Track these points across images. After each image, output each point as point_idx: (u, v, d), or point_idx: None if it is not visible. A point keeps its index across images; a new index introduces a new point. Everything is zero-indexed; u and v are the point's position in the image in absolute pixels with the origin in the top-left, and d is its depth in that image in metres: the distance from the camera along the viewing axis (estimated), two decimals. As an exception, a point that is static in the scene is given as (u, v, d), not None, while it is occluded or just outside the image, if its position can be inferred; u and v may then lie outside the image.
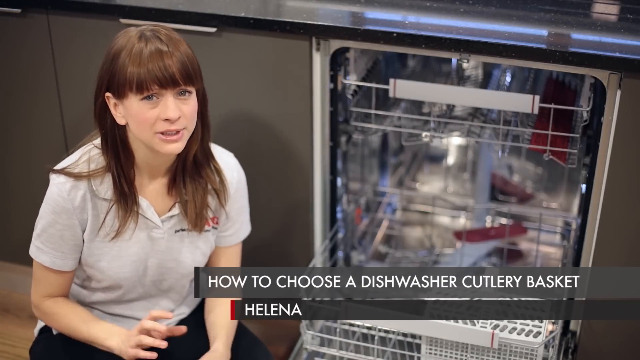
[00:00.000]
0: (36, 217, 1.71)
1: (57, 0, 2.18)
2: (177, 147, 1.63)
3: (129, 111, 1.59)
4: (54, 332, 1.83)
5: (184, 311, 1.92)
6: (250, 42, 2.08)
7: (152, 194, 1.74)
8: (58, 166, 1.68)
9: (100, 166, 1.68)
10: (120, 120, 1.63)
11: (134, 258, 1.75)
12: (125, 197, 1.68)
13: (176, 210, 1.76)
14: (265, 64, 2.10)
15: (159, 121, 1.59)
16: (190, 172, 1.74)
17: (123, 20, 2.13)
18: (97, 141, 1.71)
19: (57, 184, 1.65)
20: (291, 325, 2.31)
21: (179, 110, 1.59)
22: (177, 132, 1.61)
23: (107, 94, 1.61)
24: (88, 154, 1.69)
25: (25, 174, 2.48)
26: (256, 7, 2.12)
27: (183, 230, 1.79)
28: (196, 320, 1.90)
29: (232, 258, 1.90)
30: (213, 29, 2.07)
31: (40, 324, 1.89)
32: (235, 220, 1.86)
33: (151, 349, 1.68)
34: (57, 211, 1.66)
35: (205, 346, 1.81)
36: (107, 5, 2.14)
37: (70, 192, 1.65)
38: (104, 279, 1.76)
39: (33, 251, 1.72)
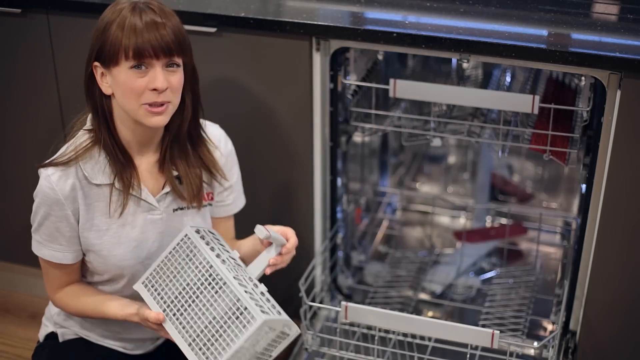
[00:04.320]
0: (36, 216, 1.71)
1: (57, 0, 2.18)
2: (162, 119, 1.65)
3: (116, 80, 1.61)
4: (60, 340, 1.83)
5: None
6: (250, 42, 2.08)
7: (143, 174, 1.74)
8: (46, 161, 1.69)
9: (87, 143, 1.68)
10: (107, 90, 1.65)
11: (135, 243, 1.74)
12: (123, 166, 1.69)
13: (168, 187, 1.76)
14: (265, 64, 2.10)
15: (146, 91, 1.61)
16: (182, 149, 1.75)
17: (123, 20, 2.13)
18: (86, 125, 1.72)
19: (45, 177, 1.66)
20: (291, 325, 2.31)
21: (166, 81, 1.61)
22: (162, 104, 1.63)
23: (96, 63, 1.64)
24: (74, 143, 1.69)
25: (24, 173, 2.47)
26: (256, 7, 2.12)
27: (182, 208, 1.78)
28: None
29: (229, 230, 1.94)
30: (213, 29, 2.07)
31: (46, 329, 1.86)
32: (234, 189, 1.89)
33: None
34: (48, 203, 1.66)
35: None
36: (107, 5, 2.13)
37: (58, 182, 1.65)
38: (107, 269, 1.74)
39: (34, 246, 1.73)
